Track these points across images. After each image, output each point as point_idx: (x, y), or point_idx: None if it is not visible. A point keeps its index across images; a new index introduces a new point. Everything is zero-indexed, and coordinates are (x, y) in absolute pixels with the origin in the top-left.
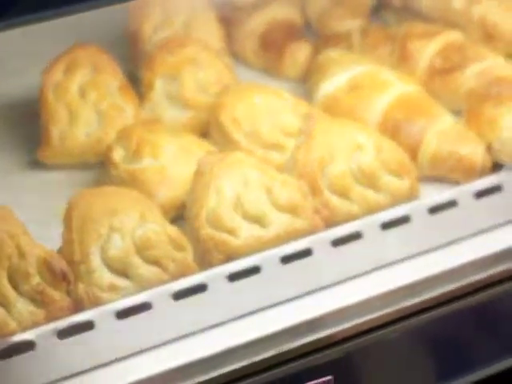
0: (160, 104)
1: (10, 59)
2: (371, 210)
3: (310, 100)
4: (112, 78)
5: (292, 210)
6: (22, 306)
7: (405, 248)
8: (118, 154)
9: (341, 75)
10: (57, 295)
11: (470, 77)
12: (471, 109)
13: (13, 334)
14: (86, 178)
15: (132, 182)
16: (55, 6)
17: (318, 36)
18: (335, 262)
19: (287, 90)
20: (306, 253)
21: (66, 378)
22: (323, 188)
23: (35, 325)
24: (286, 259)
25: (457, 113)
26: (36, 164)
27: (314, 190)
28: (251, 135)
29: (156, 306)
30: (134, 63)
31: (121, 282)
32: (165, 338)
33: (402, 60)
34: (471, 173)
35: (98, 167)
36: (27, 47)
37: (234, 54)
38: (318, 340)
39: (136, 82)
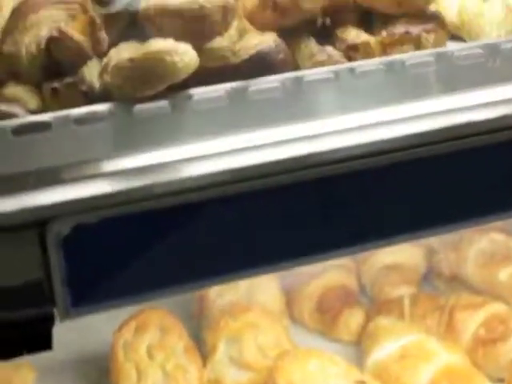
0: (222, 365)
1: None
2: None
3: (363, 364)
4: (178, 339)
5: None
6: None
7: None
8: None
9: (391, 344)
10: None
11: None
12: None
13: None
14: None
15: None
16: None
17: (372, 301)
18: None
19: (342, 353)
20: None
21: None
22: None
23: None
24: None
25: (499, 380)
26: None
27: None
28: None
29: None
30: (198, 322)
31: None
32: None
33: (448, 329)
34: None
35: None
36: None
37: (293, 315)
38: None
39: (199, 341)
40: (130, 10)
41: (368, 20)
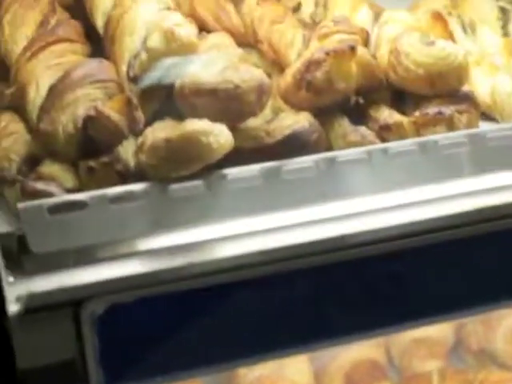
0: None
1: None
2: None
3: None
4: None
5: None
6: None
7: None
8: None
9: None
10: None
11: None
12: None
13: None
14: None
15: None
16: None
17: (401, 373)
18: None
19: None
20: None
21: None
22: None
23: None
24: None
25: None
26: None
27: None
28: None
29: None
30: None
31: None
32: None
33: None
34: None
35: None
36: None
37: None
38: None
39: None
40: (165, 88)
41: (401, 99)
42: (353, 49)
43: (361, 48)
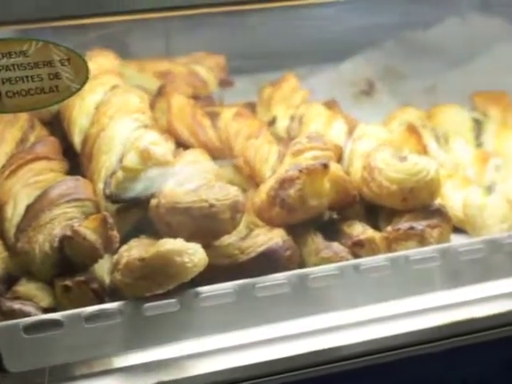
0: None
1: None
2: None
3: None
4: None
5: None
6: None
7: None
8: None
9: None
10: None
11: None
12: None
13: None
14: None
15: None
16: None
17: None
18: None
19: None
20: None
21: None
22: None
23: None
24: None
25: None
26: None
27: None
28: None
29: None
30: None
31: None
32: None
33: None
34: None
35: None
36: None
37: None
38: None
39: None
40: (141, 205)
41: (375, 213)
42: (325, 166)
43: (334, 164)
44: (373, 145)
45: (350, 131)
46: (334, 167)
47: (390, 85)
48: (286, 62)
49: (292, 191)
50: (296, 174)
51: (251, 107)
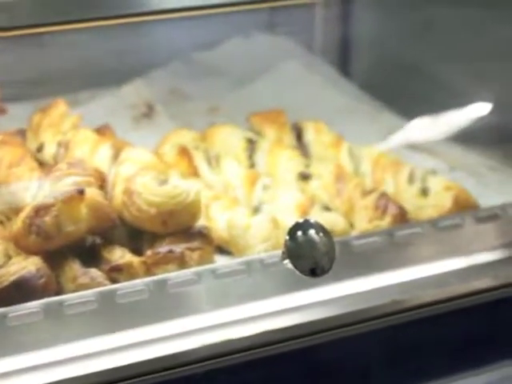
0: None
1: None
2: None
3: None
4: None
5: None
6: None
7: None
8: None
9: None
10: None
11: None
12: None
13: None
14: None
15: None
16: None
17: None
18: None
19: None
20: None
21: None
22: None
23: None
24: None
25: None
26: None
27: None
28: None
29: None
30: None
31: None
32: None
33: None
34: None
35: None
36: None
37: None
38: None
39: None
40: None
41: (138, 238)
42: (81, 192)
43: (92, 190)
44: (135, 169)
45: (116, 156)
46: (92, 192)
47: (173, 107)
48: (68, 87)
49: (48, 218)
50: (51, 201)
51: (22, 134)
